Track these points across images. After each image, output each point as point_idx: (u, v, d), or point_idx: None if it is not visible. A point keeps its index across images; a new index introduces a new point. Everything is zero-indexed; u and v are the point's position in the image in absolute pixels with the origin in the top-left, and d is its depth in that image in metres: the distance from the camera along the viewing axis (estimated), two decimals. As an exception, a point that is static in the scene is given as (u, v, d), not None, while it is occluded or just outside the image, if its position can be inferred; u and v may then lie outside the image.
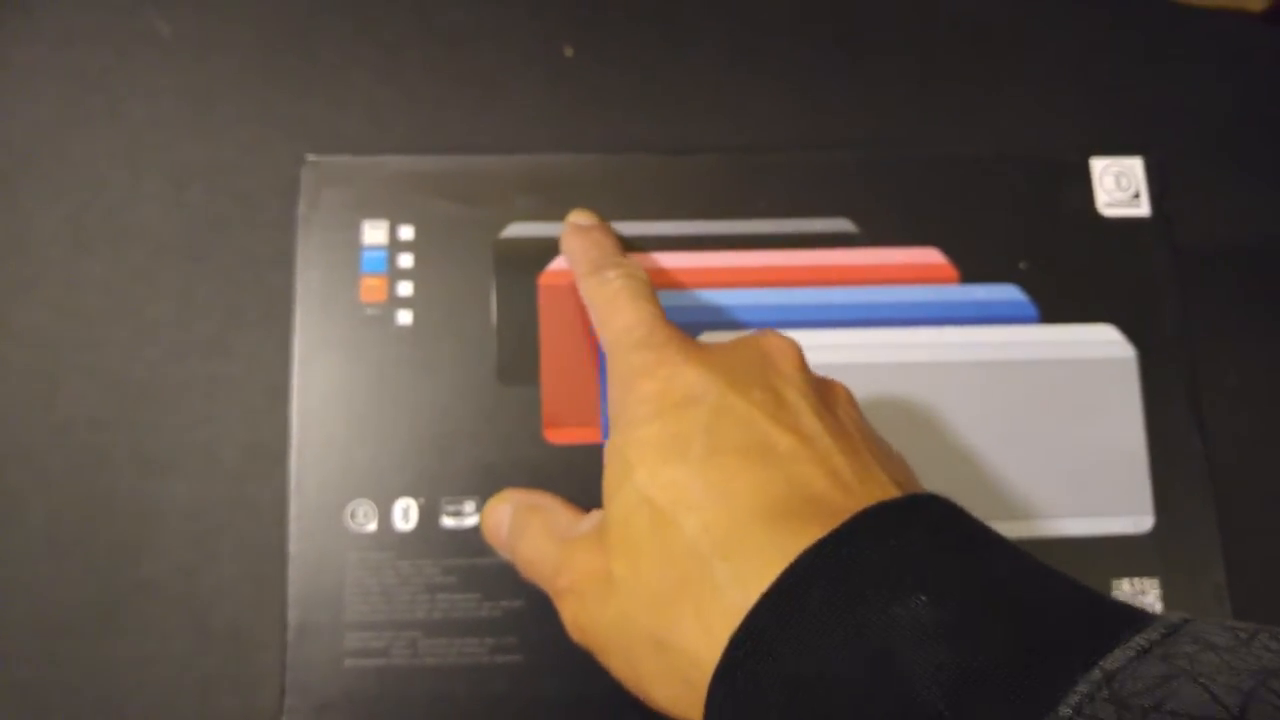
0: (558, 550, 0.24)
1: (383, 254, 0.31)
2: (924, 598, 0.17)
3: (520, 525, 0.26)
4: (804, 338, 0.31)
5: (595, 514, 0.25)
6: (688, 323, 0.31)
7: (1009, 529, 0.30)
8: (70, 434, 0.39)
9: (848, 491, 0.20)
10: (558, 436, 0.30)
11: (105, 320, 0.41)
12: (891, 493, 0.21)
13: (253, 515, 0.39)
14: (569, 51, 0.45)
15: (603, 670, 0.28)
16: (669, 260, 0.31)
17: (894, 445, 0.30)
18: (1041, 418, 0.31)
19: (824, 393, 0.24)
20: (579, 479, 0.29)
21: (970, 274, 0.32)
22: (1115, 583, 0.30)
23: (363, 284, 0.30)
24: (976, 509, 0.30)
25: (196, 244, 0.42)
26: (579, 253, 0.28)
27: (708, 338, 0.31)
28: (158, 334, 0.40)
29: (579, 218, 0.30)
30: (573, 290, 0.31)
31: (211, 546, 0.38)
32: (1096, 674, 0.15)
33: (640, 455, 0.22)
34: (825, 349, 0.31)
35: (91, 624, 0.38)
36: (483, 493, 0.29)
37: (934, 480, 0.30)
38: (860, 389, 0.30)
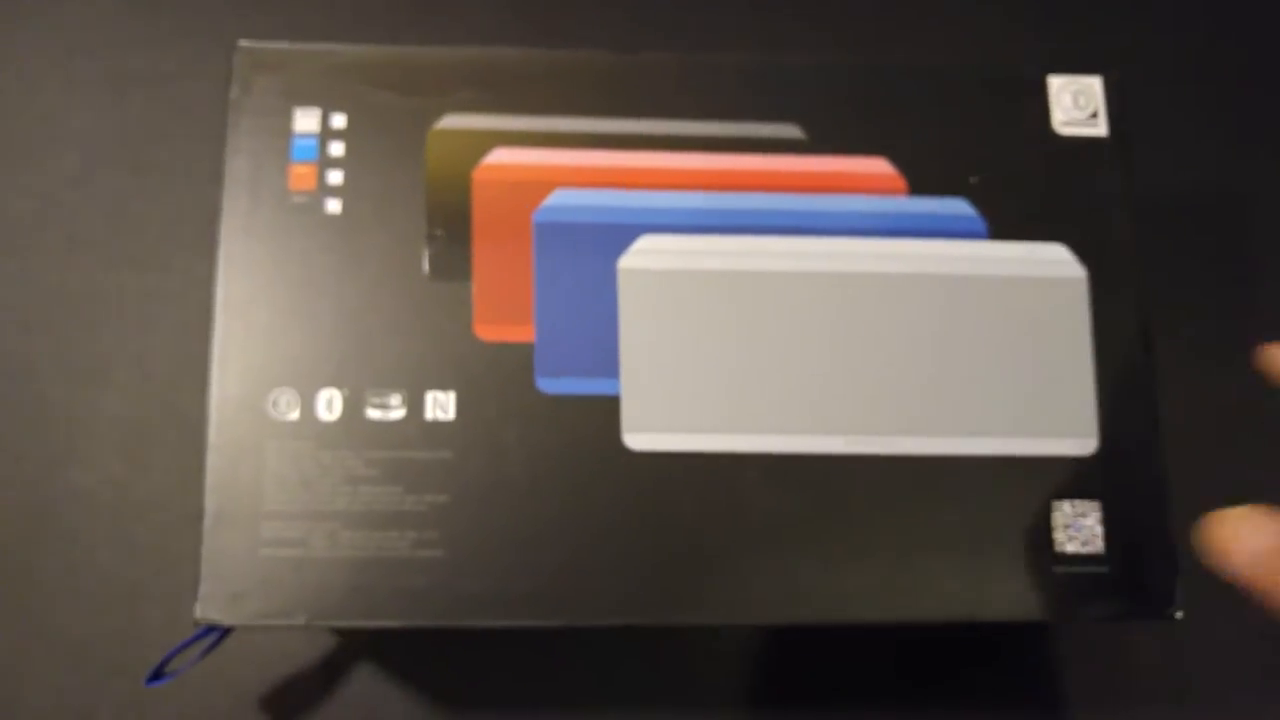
0: None
1: (313, 142, 0.31)
2: None
3: None
4: (747, 244, 0.31)
5: None
6: (628, 224, 0.31)
7: (950, 445, 0.30)
8: (-3, 338, 0.40)
9: None
10: (489, 333, 0.30)
11: (37, 227, 0.41)
12: None
13: (184, 428, 0.39)
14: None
15: (526, 568, 0.28)
16: (611, 159, 0.32)
17: (834, 358, 0.31)
18: (986, 334, 0.32)
19: None
20: (509, 375, 0.30)
21: (919, 186, 0.33)
22: (1056, 504, 0.31)
23: (292, 172, 0.31)
24: (917, 425, 0.31)
25: (134, 154, 0.42)
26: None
27: (647, 242, 0.31)
28: (91, 244, 0.41)
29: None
30: (509, 186, 0.31)
31: (142, 458, 0.39)
32: None
33: None
34: (768, 256, 0.31)
35: (16, 532, 0.38)
36: (410, 386, 0.29)
37: (875, 394, 0.31)
38: (802, 298, 0.31)
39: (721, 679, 0.38)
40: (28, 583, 0.38)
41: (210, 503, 0.28)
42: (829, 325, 0.31)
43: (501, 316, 0.30)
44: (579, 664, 0.38)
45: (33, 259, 0.41)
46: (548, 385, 0.30)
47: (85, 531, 0.38)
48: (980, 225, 0.33)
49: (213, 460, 0.29)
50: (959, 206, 0.33)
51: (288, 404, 0.29)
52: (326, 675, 0.37)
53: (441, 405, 0.30)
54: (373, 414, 0.29)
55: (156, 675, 0.31)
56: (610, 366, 0.30)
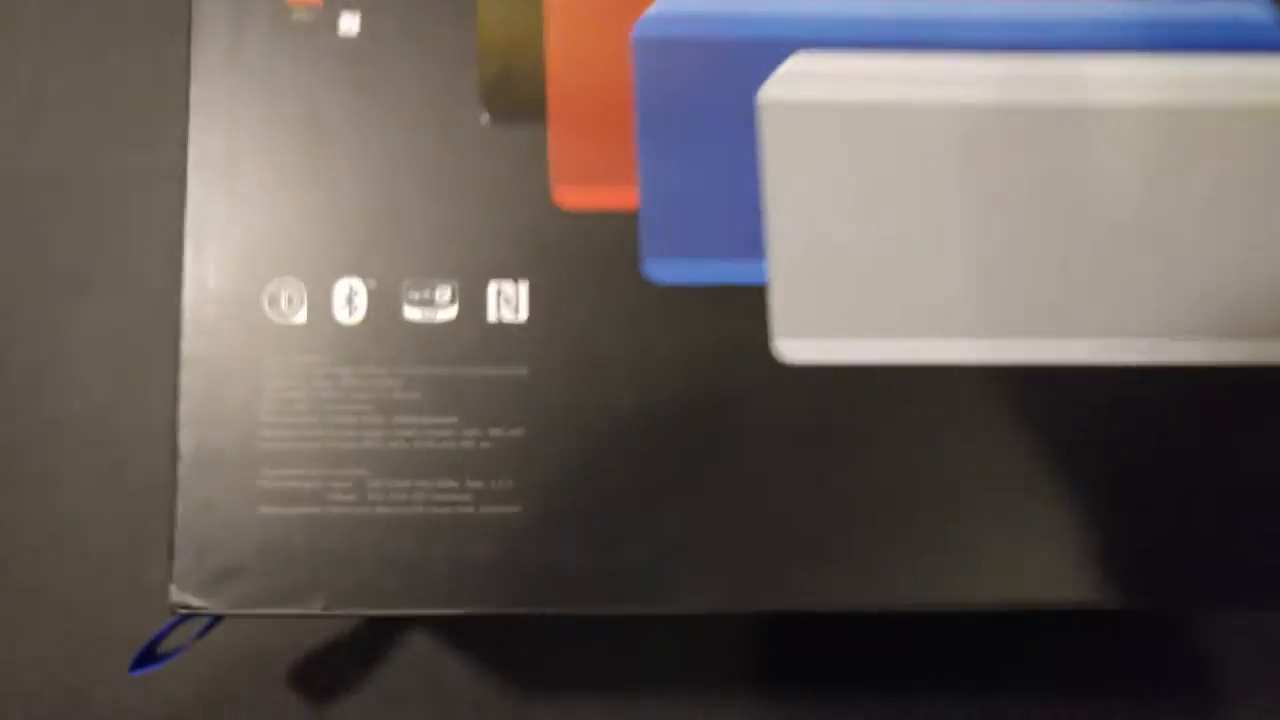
0: None
1: (321, -68, 0.22)
2: None
3: None
4: (941, 66, 0.22)
5: None
6: (769, 39, 0.22)
7: (1251, 352, 0.21)
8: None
9: None
10: (572, 198, 0.21)
11: (-6, 95, 0.33)
12: None
13: (183, 347, 0.31)
14: None
15: (632, 531, 0.20)
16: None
17: (1072, 228, 0.21)
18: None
19: None
20: (604, 258, 0.21)
21: (1189, -19, 0.23)
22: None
23: (291, -25, 0.22)
24: (1200, 324, 0.21)
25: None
26: None
27: (799, 64, 0.22)
28: (60, 114, 0.32)
29: None
30: (598, -13, 0.22)
31: (131, 381, 0.31)
32: None
33: None
34: (973, 83, 0.22)
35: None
36: (464, 274, 0.21)
37: (1133, 281, 0.21)
38: (1024, 142, 0.21)
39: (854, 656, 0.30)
40: (2, 538, 0.30)
41: (186, 442, 0.20)
42: (1064, 181, 0.22)
43: (590, 174, 0.21)
44: (672, 636, 0.30)
45: (-14, 137, 0.33)
46: (660, 271, 0.21)
47: (70, 473, 0.31)
48: (1281, 35, 0.23)
49: (189, 381, 0.20)
50: (1253, 8, 0.23)
51: (291, 301, 0.21)
52: (368, 644, 0.29)
53: (509, 301, 0.21)
54: (413, 314, 0.21)
55: (141, 663, 0.23)
56: (750, 243, 0.21)
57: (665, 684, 0.29)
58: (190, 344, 0.20)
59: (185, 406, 0.20)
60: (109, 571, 0.30)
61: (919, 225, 0.21)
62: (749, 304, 0.21)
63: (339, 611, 0.20)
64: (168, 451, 0.30)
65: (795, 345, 0.21)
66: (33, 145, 0.32)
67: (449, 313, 0.21)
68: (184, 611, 0.20)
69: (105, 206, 0.32)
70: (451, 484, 0.20)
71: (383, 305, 0.21)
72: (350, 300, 0.21)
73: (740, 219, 0.21)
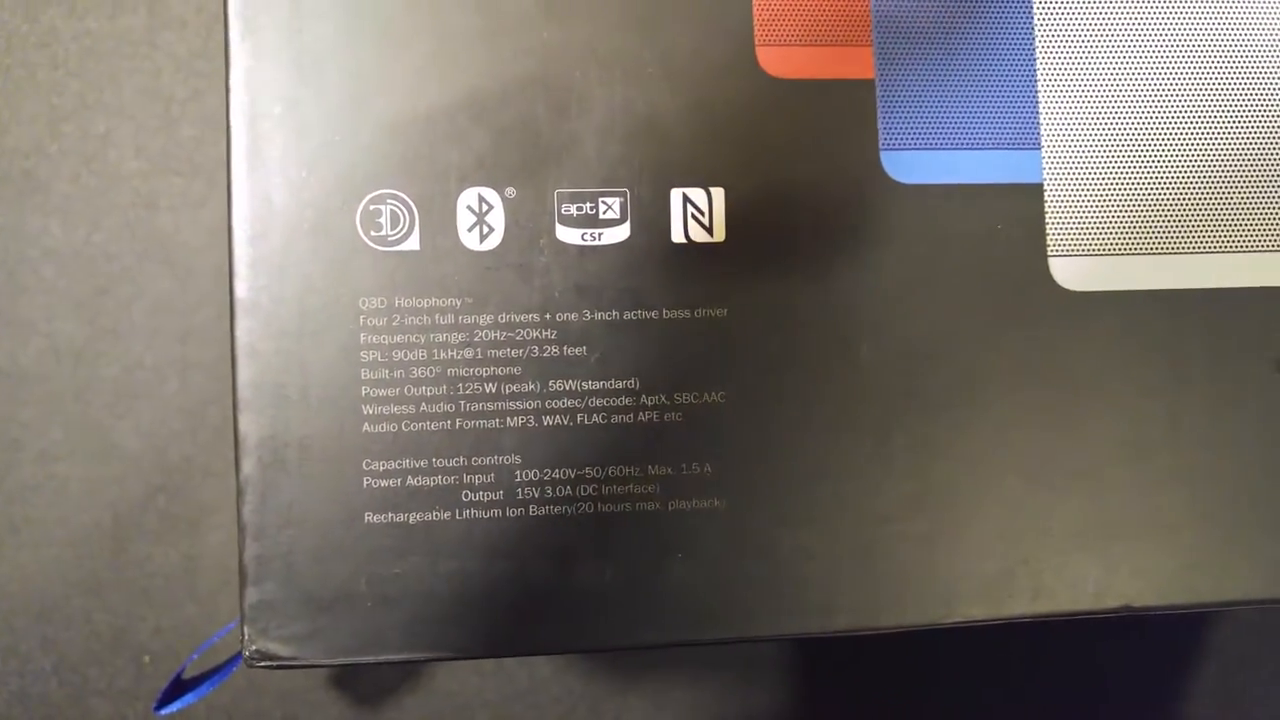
0: None
1: None
2: None
3: None
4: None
5: None
6: None
7: None
8: None
9: None
10: (780, 63, 0.15)
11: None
12: None
13: (175, 264, 0.24)
14: None
15: (875, 534, 0.14)
16: None
17: None
18: None
19: None
20: (829, 149, 0.15)
21: None
22: None
23: None
24: None
25: None
26: None
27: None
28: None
29: None
30: None
31: (109, 317, 0.24)
32: None
33: None
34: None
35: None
36: (637, 178, 0.14)
37: None
38: None
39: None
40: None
41: (252, 425, 0.14)
42: None
43: (808, 33, 0.15)
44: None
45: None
46: (901, 168, 0.15)
47: (35, 431, 0.24)
48: None
49: (249, 337, 0.14)
50: None
51: (396, 219, 0.14)
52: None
53: (699, 213, 0.15)
54: (568, 235, 0.14)
55: (169, 698, 0.18)
56: (1022, 130, 0.15)
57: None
58: (247, 284, 0.14)
59: (247, 374, 0.14)
60: (87, 563, 0.24)
61: (1261, 109, 0.16)
62: (1019, 213, 0.15)
63: (491, 655, 0.14)
64: (164, 406, 0.24)
65: (1076, 266, 0.15)
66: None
67: (618, 232, 0.15)
68: (267, 664, 0.14)
69: (68, 82, 0.24)
70: (630, 471, 0.14)
71: (527, 221, 0.14)
72: (481, 216, 0.14)
73: (1007, 95, 0.15)
